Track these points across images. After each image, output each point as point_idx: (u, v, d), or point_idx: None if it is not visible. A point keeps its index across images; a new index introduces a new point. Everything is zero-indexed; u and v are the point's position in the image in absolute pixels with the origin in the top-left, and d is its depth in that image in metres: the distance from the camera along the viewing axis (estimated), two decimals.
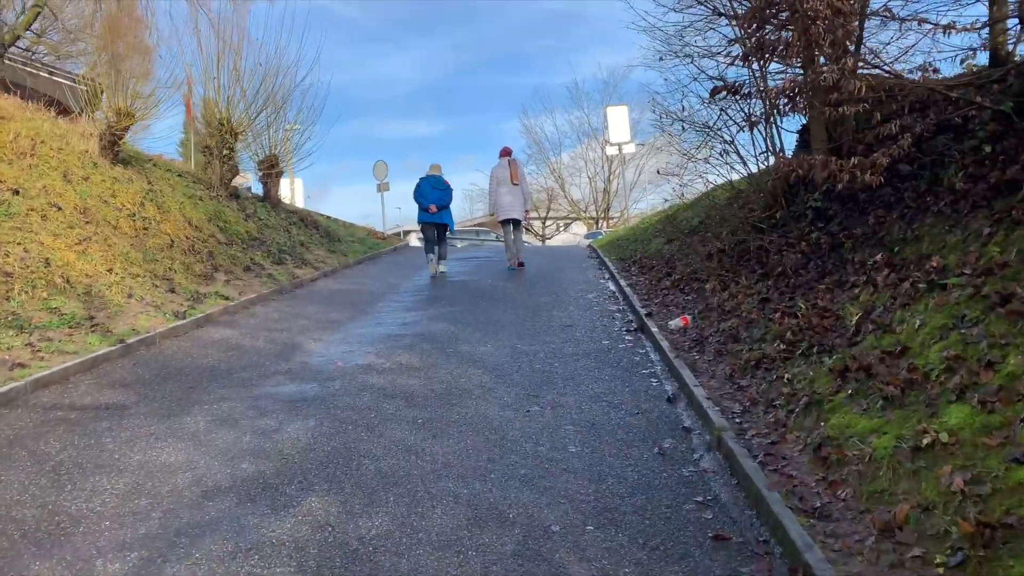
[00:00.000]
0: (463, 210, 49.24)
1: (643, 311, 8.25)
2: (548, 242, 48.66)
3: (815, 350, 4.90)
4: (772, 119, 7.68)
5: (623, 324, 8.22)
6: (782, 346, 5.26)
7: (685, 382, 5.58)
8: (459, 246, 29.27)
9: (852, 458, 3.60)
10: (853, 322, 4.84)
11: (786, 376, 4.86)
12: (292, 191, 27.50)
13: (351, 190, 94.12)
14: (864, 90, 5.89)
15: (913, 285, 4.62)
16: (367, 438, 4.81)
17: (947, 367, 3.71)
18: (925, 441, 3.32)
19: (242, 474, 4.27)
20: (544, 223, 49.19)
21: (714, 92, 6.17)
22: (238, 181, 19.87)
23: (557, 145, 49.42)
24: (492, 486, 4.05)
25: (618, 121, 22.31)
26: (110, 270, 9.09)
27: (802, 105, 6.21)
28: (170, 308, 8.81)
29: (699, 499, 3.84)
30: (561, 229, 50.49)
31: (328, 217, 20.03)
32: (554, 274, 12.83)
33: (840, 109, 6.12)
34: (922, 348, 4.04)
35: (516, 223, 12.50)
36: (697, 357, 6.22)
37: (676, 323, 7.24)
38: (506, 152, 12.58)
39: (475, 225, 39.83)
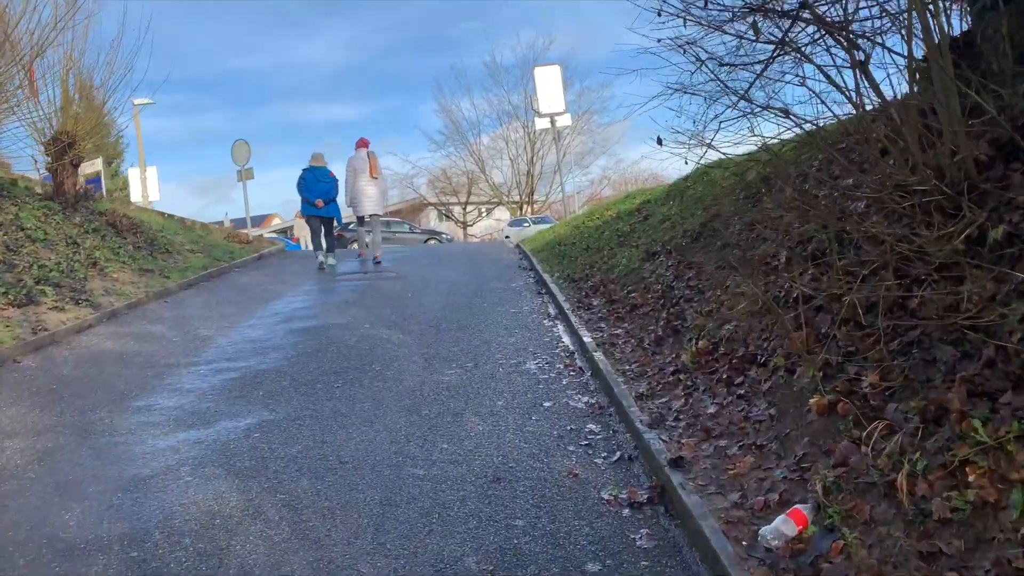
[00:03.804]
0: None
1: (660, 450, 3.77)
2: (470, 230, 43.91)
3: None
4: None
5: (617, 477, 3.73)
6: None
7: None
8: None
9: None
10: None
11: None
12: (143, 183, 21.86)
13: (270, 175, 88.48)
14: None
15: None
16: None
17: None
18: None
19: None
20: (464, 208, 44.41)
21: None
22: (85, 171, 14.18)
23: (476, 126, 44.26)
24: None
25: (549, 85, 17.69)
26: None
27: None
28: None
29: None
30: (483, 215, 45.76)
31: (169, 216, 14.79)
32: (471, 303, 8.38)
33: None
34: None
35: (373, 218, 12.07)
36: None
37: (780, 529, 2.77)
38: (364, 143, 11.74)
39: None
